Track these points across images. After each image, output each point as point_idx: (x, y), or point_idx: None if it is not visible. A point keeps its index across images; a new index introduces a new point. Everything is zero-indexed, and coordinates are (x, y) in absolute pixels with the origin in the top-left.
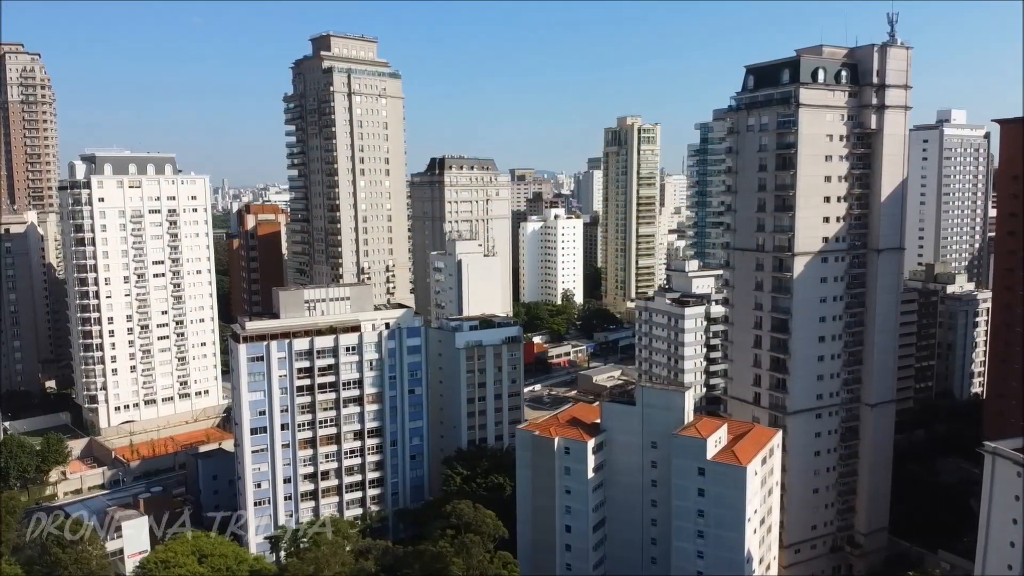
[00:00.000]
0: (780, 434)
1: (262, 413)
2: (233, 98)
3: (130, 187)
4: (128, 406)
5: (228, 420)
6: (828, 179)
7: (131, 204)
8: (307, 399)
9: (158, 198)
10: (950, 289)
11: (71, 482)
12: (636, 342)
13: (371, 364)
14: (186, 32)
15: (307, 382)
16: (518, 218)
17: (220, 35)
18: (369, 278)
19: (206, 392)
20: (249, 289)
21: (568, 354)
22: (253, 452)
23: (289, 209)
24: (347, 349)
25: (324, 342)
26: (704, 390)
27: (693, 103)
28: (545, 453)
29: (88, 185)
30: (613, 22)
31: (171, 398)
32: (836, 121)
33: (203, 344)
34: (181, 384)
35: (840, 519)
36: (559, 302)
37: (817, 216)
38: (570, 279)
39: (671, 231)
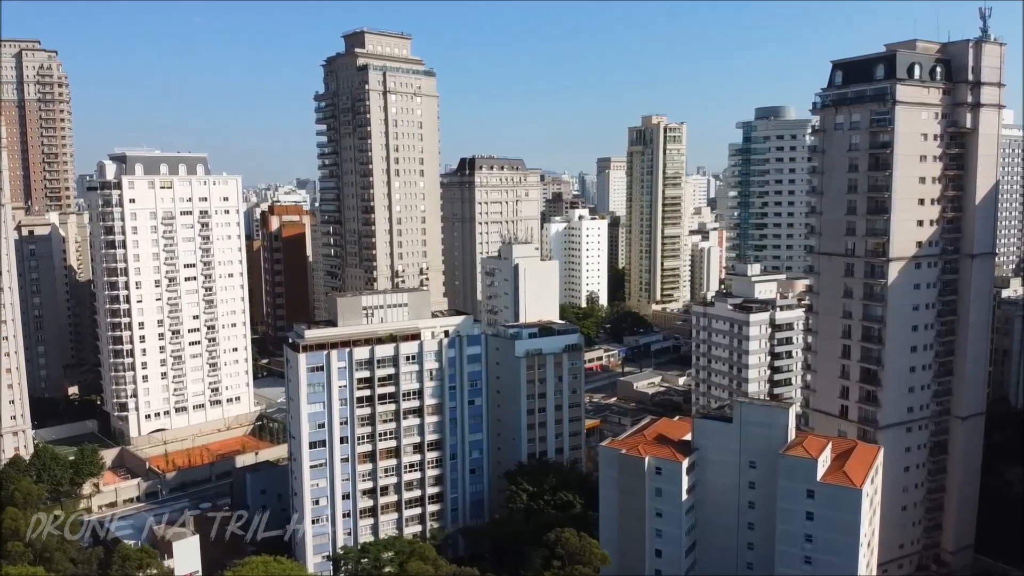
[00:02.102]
0: (882, 451)
1: (321, 426)
2: (232, 97)
3: (161, 188)
4: (159, 414)
5: (263, 428)
6: (922, 180)
7: (162, 205)
8: (366, 410)
9: (190, 199)
10: (1004, 293)
11: (105, 495)
12: (693, 349)
13: (431, 374)
14: (186, 31)
15: (367, 393)
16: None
17: (221, 34)
18: (403, 281)
19: (237, 399)
20: (273, 292)
21: (600, 359)
22: (312, 467)
23: (319, 211)
24: (407, 358)
25: (384, 351)
26: (768, 400)
27: (697, 104)
28: (633, 473)
29: (119, 186)
30: (614, 24)
31: (202, 405)
32: (931, 120)
33: (235, 349)
34: (212, 391)
35: (927, 537)
36: (583, 304)
37: (911, 219)
38: (595, 281)
39: (691, 232)
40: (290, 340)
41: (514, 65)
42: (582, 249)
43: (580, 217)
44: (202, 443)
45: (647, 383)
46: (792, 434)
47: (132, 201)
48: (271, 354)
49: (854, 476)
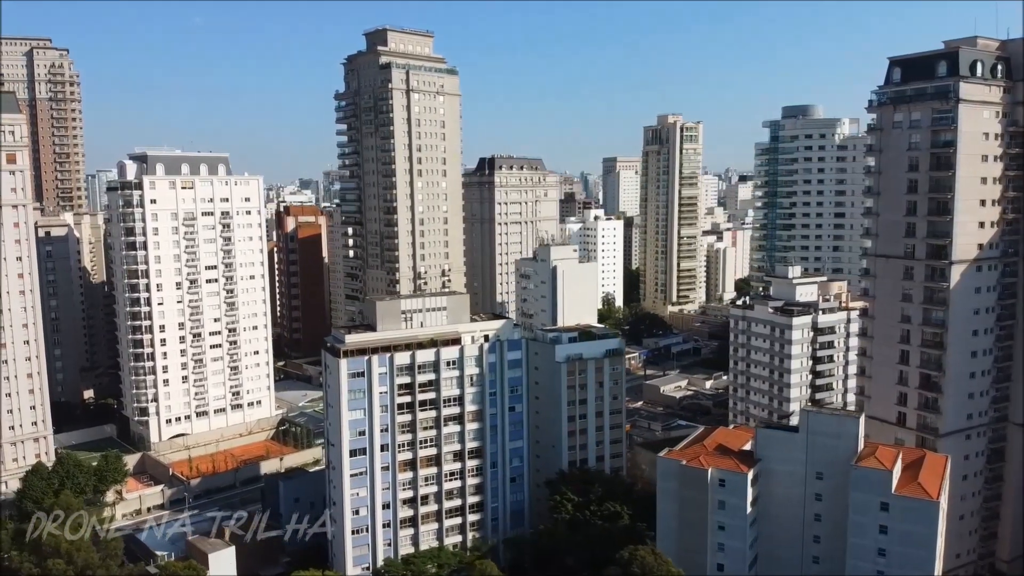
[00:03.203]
0: (950, 460)
1: (361, 433)
2: (231, 97)
3: (183, 188)
4: (180, 418)
5: (286, 433)
6: (984, 181)
7: (184, 206)
8: (407, 417)
9: (211, 200)
10: None
11: (129, 502)
12: (731, 353)
13: (471, 379)
14: (186, 31)
15: (407, 399)
16: None
17: (222, 34)
18: (425, 283)
19: (258, 403)
20: (289, 294)
21: None
22: (352, 476)
23: (340, 211)
24: (448, 363)
25: (425, 356)
26: (809, 405)
27: (695, 105)
28: (695, 485)
29: (140, 186)
30: (613, 25)
31: (223, 409)
32: (992, 118)
33: (256, 353)
34: (233, 395)
35: (982, 546)
36: (600, 306)
37: (973, 221)
38: (610, 283)
39: (705, 232)
40: (329, 345)
41: (513, 66)
42: (598, 250)
43: (596, 218)
44: (225, 448)
45: (674, 387)
46: (861, 444)
47: (153, 202)
48: (287, 357)
49: (929, 487)
